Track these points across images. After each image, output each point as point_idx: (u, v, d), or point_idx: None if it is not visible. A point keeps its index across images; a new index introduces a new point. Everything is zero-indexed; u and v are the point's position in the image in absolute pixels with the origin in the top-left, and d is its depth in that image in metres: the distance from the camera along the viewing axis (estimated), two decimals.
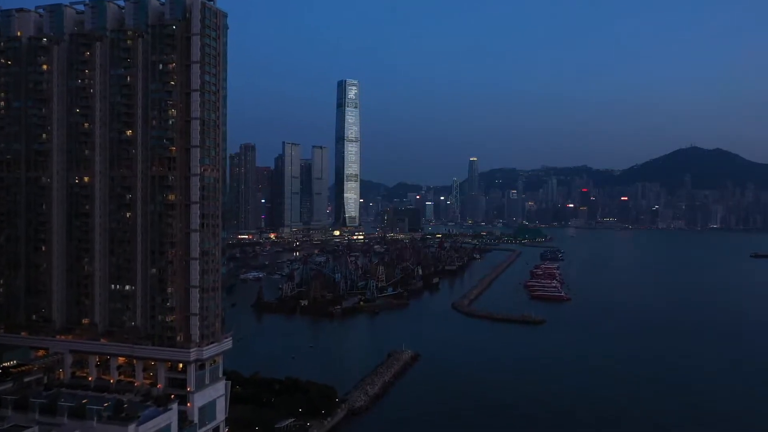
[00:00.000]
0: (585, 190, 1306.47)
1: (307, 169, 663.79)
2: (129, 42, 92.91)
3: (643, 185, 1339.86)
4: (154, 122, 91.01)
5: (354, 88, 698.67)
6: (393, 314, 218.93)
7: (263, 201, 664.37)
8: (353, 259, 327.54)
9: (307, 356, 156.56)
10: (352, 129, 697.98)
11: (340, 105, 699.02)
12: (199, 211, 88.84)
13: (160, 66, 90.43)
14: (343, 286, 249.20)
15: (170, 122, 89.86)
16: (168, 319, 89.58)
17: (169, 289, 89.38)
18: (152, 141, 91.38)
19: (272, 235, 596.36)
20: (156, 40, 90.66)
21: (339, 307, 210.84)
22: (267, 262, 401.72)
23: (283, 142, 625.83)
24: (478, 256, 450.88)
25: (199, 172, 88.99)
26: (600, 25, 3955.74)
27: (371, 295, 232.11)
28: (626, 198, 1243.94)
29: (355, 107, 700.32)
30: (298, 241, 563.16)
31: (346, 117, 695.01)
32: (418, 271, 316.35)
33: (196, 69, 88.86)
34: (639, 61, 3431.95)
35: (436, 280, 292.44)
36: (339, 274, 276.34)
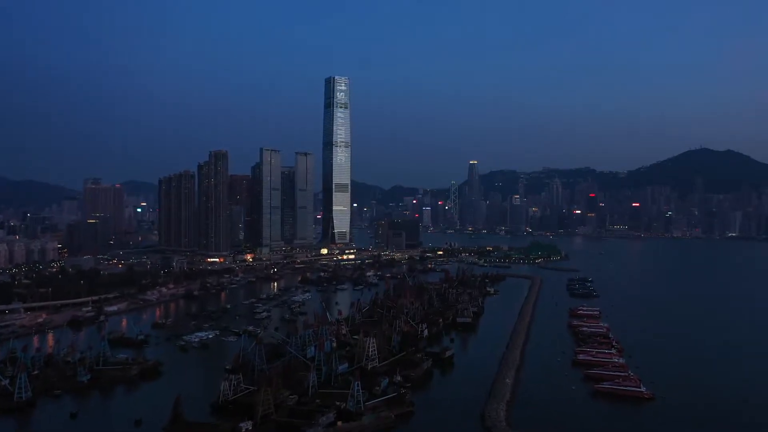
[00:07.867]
0: (593, 195, 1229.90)
1: (289, 179, 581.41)
2: None
3: (652, 189, 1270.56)
4: None
5: (344, 85, 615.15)
6: None
7: (243, 210, 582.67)
8: (334, 324, 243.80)
9: None
10: (341, 132, 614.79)
11: (329, 105, 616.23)
12: None
13: None
14: (314, 380, 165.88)
15: None
16: None
17: None
18: None
19: (249, 257, 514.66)
20: None
21: None
22: (229, 306, 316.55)
23: (261, 149, 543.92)
24: (492, 291, 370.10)
25: None
26: (601, 21, 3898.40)
27: (355, 406, 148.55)
28: (638, 204, 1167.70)
29: (345, 107, 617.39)
30: (276, 266, 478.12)
31: (335, 118, 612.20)
32: (423, 332, 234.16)
33: None
34: (641, 58, 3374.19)
35: (449, 351, 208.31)
36: (313, 348, 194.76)
